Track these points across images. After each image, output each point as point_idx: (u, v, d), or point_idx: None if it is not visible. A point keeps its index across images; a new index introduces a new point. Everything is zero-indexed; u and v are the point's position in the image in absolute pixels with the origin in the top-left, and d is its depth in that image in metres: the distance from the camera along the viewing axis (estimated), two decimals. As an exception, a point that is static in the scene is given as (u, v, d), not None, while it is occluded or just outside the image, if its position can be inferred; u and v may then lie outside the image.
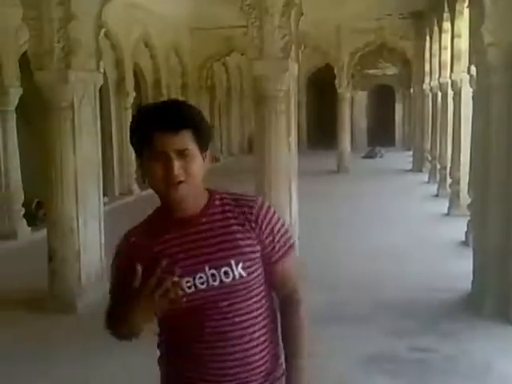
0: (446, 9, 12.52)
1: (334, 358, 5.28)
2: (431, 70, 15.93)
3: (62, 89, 6.68)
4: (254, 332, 1.99)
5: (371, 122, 31.46)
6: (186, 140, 1.86)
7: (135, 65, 15.86)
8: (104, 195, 7.82)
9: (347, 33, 19.07)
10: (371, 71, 28.81)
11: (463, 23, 10.81)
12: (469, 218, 8.71)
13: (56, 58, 6.66)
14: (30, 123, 11.17)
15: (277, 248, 2.00)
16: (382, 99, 31.01)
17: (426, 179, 16.56)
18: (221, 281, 1.92)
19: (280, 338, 2.10)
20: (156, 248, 1.94)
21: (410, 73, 21.67)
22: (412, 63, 19.83)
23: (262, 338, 2.01)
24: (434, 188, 14.50)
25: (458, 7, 11.24)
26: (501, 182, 6.28)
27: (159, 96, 17.12)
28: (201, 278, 1.92)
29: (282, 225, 2.04)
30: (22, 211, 10.48)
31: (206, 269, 1.92)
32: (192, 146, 1.87)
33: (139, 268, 1.82)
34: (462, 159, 11.04)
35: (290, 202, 6.52)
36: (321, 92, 29.76)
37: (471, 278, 6.66)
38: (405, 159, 22.21)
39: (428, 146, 17.39)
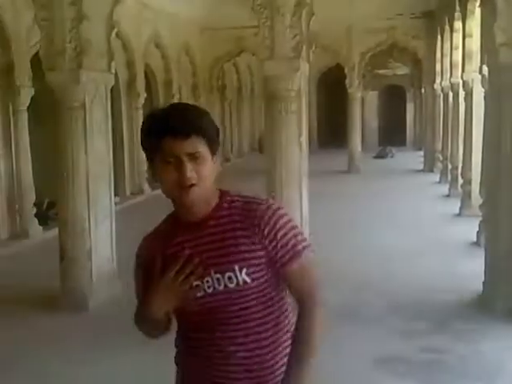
0: (458, 8, 12.48)
1: (346, 358, 5.28)
2: (442, 69, 15.88)
3: (73, 89, 6.71)
4: (267, 338, 2.00)
5: (382, 121, 31.41)
6: (197, 143, 1.86)
7: (146, 65, 15.89)
8: (115, 195, 7.84)
9: (358, 33, 19.05)
10: (382, 71, 28.75)
11: (475, 23, 10.76)
12: (480, 219, 8.68)
13: (68, 59, 6.68)
14: (41, 123, 11.21)
15: (280, 253, 1.93)
16: (393, 99, 30.96)
17: (438, 179, 16.50)
18: (225, 285, 1.93)
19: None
20: (169, 251, 1.97)
21: (420, 73, 21.63)
22: (423, 63, 19.77)
23: (275, 343, 2.01)
24: (445, 188, 14.45)
25: (469, 6, 11.20)
26: (513, 183, 6.25)
27: (170, 96, 17.17)
28: (208, 281, 1.94)
29: (290, 228, 1.97)
30: (34, 211, 10.53)
31: (212, 273, 1.94)
32: (203, 149, 1.87)
33: (159, 259, 1.92)
34: (473, 159, 10.99)
35: (300, 201, 6.52)
36: (331, 92, 29.71)
37: (483, 278, 6.63)
38: (416, 159, 22.15)
39: (439, 146, 17.32)
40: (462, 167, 11.83)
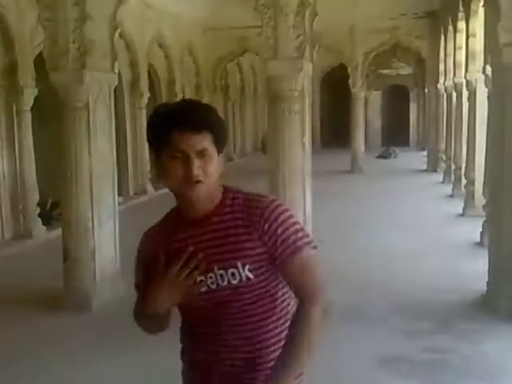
0: (461, 8, 12.47)
1: (349, 358, 5.29)
2: (446, 69, 15.86)
3: (77, 89, 6.72)
4: (271, 330, 2.01)
5: (385, 121, 31.39)
6: (206, 141, 1.87)
7: (149, 65, 15.91)
8: (119, 195, 7.86)
9: (361, 33, 19.05)
10: (385, 71, 28.73)
11: (478, 22, 10.76)
12: (484, 219, 8.67)
13: (71, 59, 6.69)
14: (45, 123, 11.24)
15: (280, 249, 1.92)
16: (396, 99, 30.93)
17: (441, 179, 16.48)
18: (229, 281, 1.94)
19: None
20: (172, 246, 1.99)
21: (424, 73, 21.60)
22: (426, 63, 19.75)
23: (278, 336, 2.02)
24: (448, 188, 14.44)
25: (473, 6, 11.20)
26: (516, 183, 6.24)
27: (173, 96, 17.18)
28: (211, 277, 1.96)
29: (291, 224, 1.96)
30: (37, 211, 10.54)
31: (215, 269, 1.95)
32: (210, 147, 1.88)
33: (162, 254, 1.94)
34: (476, 159, 10.98)
35: (304, 201, 6.52)
36: (335, 92, 29.69)
37: (486, 278, 6.62)
38: (419, 159, 22.14)
39: (443, 146, 17.31)
40: (466, 167, 11.82)
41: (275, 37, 6.38)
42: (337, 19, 16.53)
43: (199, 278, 1.95)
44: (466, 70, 11.53)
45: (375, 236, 10.09)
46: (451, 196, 13.79)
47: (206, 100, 19.28)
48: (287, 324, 2.02)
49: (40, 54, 8.07)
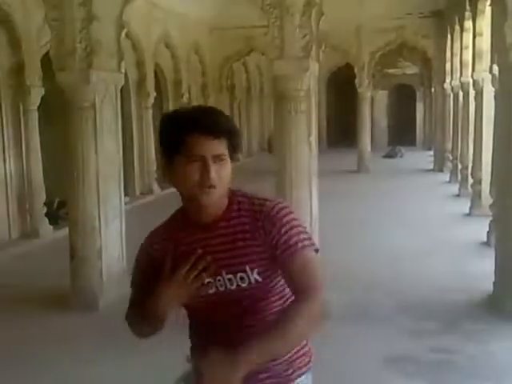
0: (468, 7, 12.43)
1: (355, 357, 5.28)
2: (452, 69, 15.82)
3: (83, 89, 6.73)
4: None
5: (392, 121, 31.36)
6: (223, 146, 1.89)
7: (156, 65, 15.92)
8: (125, 194, 7.87)
9: (367, 32, 19.02)
10: (391, 70, 28.68)
11: (485, 22, 10.72)
12: (491, 219, 8.65)
13: (78, 59, 6.70)
14: (51, 123, 11.27)
15: (282, 249, 1.93)
16: (403, 99, 30.89)
17: (447, 179, 16.44)
18: (237, 285, 1.97)
19: None
20: (179, 249, 2.01)
21: (430, 72, 21.56)
22: (433, 62, 19.70)
23: None
24: (455, 188, 14.41)
25: (479, 5, 11.16)
26: (523, 182, 6.23)
27: (179, 96, 17.21)
28: (219, 280, 1.98)
29: (294, 226, 1.97)
30: (44, 210, 10.57)
31: (224, 273, 1.97)
32: (226, 153, 1.91)
33: (169, 257, 1.96)
34: (483, 159, 10.95)
35: (310, 201, 6.51)
36: (341, 91, 29.65)
37: (493, 278, 6.60)
38: (426, 159, 22.11)
39: (449, 145, 17.27)
40: (472, 167, 11.79)
41: (281, 36, 6.37)
42: (343, 19, 16.51)
43: (207, 280, 1.96)
44: (473, 70, 11.49)
45: (381, 236, 10.07)
46: (458, 195, 13.76)
47: (212, 100, 19.34)
48: None
49: (47, 54, 8.10)
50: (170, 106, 17.36)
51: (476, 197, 11.38)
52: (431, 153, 21.59)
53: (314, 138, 6.63)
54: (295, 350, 2.07)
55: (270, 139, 24.73)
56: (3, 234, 10.05)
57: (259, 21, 7.48)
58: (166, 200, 13.76)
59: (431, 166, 19.82)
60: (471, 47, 11.98)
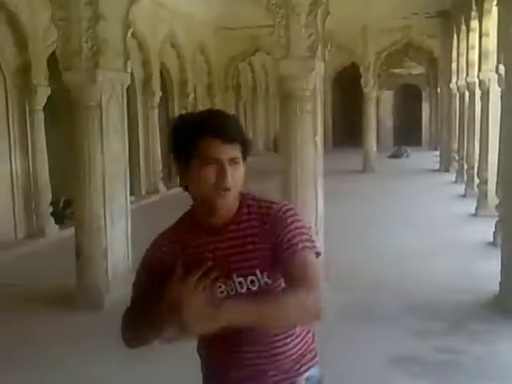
0: (474, 7, 12.40)
1: (361, 357, 5.27)
2: (458, 69, 15.78)
3: (89, 88, 6.74)
4: (285, 332, 2.05)
5: (397, 121, 31.31)
6: (237, 150, 1.94)
7: (161, 64, 15.94)
8: (131, 194, 7.88)
9: (373, 32, 19.00)
10: (397, 70, 28.64)
11: (491, 22, 10.69)
12: (497, 219, 8.63)
13: (84, 58, 6.71)
14: (58, 123, 11.29)
15: (285, 247, 1.95)
16: (409, 99, 30.84)
17: (453, 179, 16.41)
18: (248, 288, 1.98)
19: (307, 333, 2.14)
20: (188, 252, 2.02)
21: (436, 72, 21.52)
22: (439, 62, 19.66)
23: (296, 332, 2.07)
24: (461, 188, 14.37)
25: (486, 5, 11.14)
26: (530, 182, 6.21)
27: (185, 95, 17.23)
28: (230, 285, 1.99)
29: (298, 227, 1.99)
30: (50, 210, 10.60)
31: (234, 277, 1.98)
32: (240, 156, 1.95)
33: (180, 262, 1.92)
34: (489, 159, 10.93)
35: (316, 201, 6.51)
36: (346, 91, 29.63)
37: (499, 279, 6.58)
38: (431, 159, 22.07)
39: (455, 145, 17.24)
40: (478, 167, 11.75)
41: (287, 36, 6.36)
42: (349, 18, 16.51)
43: (218, 285, 1.97)
44: (479, 70, 11.46)
45: (387, 236, 10.06)
46: (464, 196, 13.72)
47: (217, 99, 19.37)
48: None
49: (53, 54, 8.11)
50: (176, 106, 17.40)
51: (482, 197, 11.36)
52: (437, 153, 21.55)
53: (319, 138, 6.63)
54: (303, 348, 2.10)
55: (276, 139, 24.74)
56: (9, 234, 10.08)
57: (265, 20, 7.49)
58: (171, 199, 13.79)
59: (437, 166, 19.78)
60: (477, 47, 11.95)
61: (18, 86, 10.23)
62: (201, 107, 18.48)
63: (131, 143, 10.96)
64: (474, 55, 12.79)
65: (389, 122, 31.17)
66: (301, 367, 2.09)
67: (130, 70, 7.41)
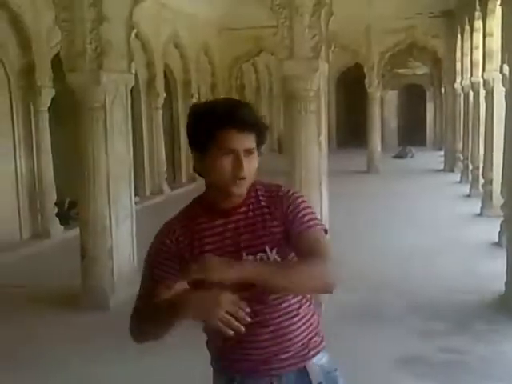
0: (478, 7, 12.38)
1: (366, 358, 5.26)
2: (463, 69, 15.76)
3: (94, 90, 6.75)
4: (296, 309, 2.11)
5: (402, 121, 31.29)
6: (253, 141, 2.02)
7: (165, 65, 15.95)
8: (135, 195, 7.89)
9: (377, 32, 18.99)
10: (401, 70, 28.61)
11: (495, 22, 10.68)
12: (502, 219, 8.61)
13: (88, 59, 6.73)
14: (62, 124, 11.31)
15: (297, 224, 2.05)
16: (413, 99, 30.83)
17: (458, 179, 16.39)
18: None
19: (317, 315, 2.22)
20: (197, 235, 2.09)
21: (440, 72, 21.48)
22: (443, 62, 19.63)
23: (302, 315, 2.13)
24: (466, 188, 14.35)
25: (489, 5, 11.11)
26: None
27: (189, 96, 17.24)
28: None
29: (307, 208, 2.11)
30: (55, 210, 10.62)
31: (244, 255, 2.04)
32: (254, 147, 2.04)
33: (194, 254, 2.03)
34: (494, 159, 10.90)
35: (320, 201, 6.50)
36: (350, 91, 29.63)
37: (504, 279, 6.57)
38: (436, 159, 22.04)
39: (460, 145, 17.22)
40: (483, 167, 11.74)
41: (291, 37, 6.36)
42: (352, 19, 16.51)
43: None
44: (483, 70, 11.45)
45: (392, 236, 10.05)
46: (468, 196, 13.70)
47: (221, 100, 19.32)
48: (310, 306, 2.18)
49: (57, 55, 8.13)
50: (180, 107, 17.42)
51: (487, 197, 11.34)
52: (442, 153, 21.52)
53: (323, 138, 6.62)
54: (309, 331, 2.15)
55: (280, 139, 24.74)
56: (15, 234, 10.11)
57: (268, 21, 7.48)
58: (176, 200, 13.77)
59: (442, 167, 19.75)
60: (481, 47, 11.93)
61: (22, 87, 10.25)
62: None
63: (135, 144, 10.97)
64: (478, 55, 12.77)
65: (393, 122, 31.15)
66: (309, 352, 2.14)
67: (133, 71, 7.42)
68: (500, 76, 8.46)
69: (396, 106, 31.58)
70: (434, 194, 14.67)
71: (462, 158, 16.60)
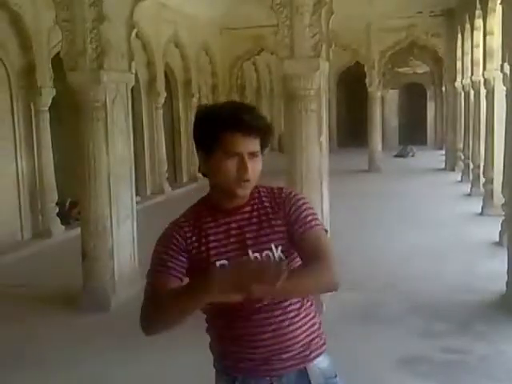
0: (478, 6, 12.36)
1: (367, 358, 5.26)
2: (463, 67, 15.75)
3: (94, 89, 6.75)
4: (298, 309, 2.14)
5: (402, 120, 31.29)
6: (257, 144, 2.09)
7: (166, 65, 15.95)
8: (136, 194, 7.89)
9: (377, 31, 19.00)
10: (402, 69, 28.61)
11: (495, 20, 10.67)
12: (503, 218, 8.60)
13: (88, 59, 6.72)
14: (63, 123, 11.32)
15: (300, 224, 2.12)
16: (414, 97, 30.81)
17: (459, 178, 16.37)
18: None
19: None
20: (204, 233, 2.13)
21: (441, 71, 21.49)
22: (443, 61, 19.63)
23: (303, 314, 2.16)
24: (466, 187, 14.33)
25: (490, 4, 11.11)
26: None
27: (190, 96, 17.25)
28: None
29: (309, 208, 2.18)
30: (56, 210, 10.62)
31: (250, 252, 2.10)
32: (259, 149, 2.10)
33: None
34: (495, 158, 10.89)
35: (321, 201, 6.49)
36: (351, 90, 29.61)
37: (505, 278, 6.56)
38: (437, 158, 22.03)
39: (461, 144, 17.20)
40: (484, 166, 11.73)
41: (291, 36, 6.34)
42: (353, 18, 16.49)
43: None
44: (484, 68, 11.44)
45: (392, 235, 10.05)
46: (469, 195, 13.68)
47: (222, 99, 19.30)
48: (311, 306, 2.22)
49: (57, 55, 8.12)
50: (180, 106, 17.41)
51: (488, 196, 11.33)
52: (442, 152, 21.52)
53: (324, 138, 6.61)
54: (310, 332, 2.18)
55: (281, 139, 24.72)
56: (16, 234, 10.11)
57: (269, 20, 7.48)
58: (177, 200, 13.80)
59: (443, 166, 19.75)
60: (482, 46, 11.92)
61: (22, 87, 10.26)
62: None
63: (136, 144, 10.97)
64: (479, 54, 12.77)
65: (394, 121, 31.14)
66: (310, 353, 2.17)
67: (134, 71, 7.42)
68: (501, 75, 8.45)
69: (397, 104, 31.57)
70: (434, 193, 14.66)
71: (462, 157, 16.59)
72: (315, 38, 6.30)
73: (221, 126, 2.02)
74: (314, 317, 2.22)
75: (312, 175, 6.46)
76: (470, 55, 14.37)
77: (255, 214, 2.15)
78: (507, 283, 6.55)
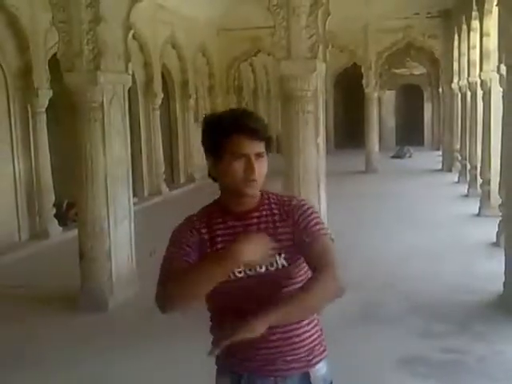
0: (475, 7, 12.38)
1: (366, 359, 5.26)
2: (460, 69, 15.78)
3: (91, 90, 6.75)
4: None
5: (399, 121, 31.31)
6: (262, 146, 2.18)
7: (163, 66, 15.94)
8: (133, 195, 7.88)
9: (374, 32, 19.01)
10: (399, 70, 28.63)
11: (492, 22, 10.68)
12: (500, 219, 8.61)
13: (85, 60, 6.72)
14: (60, 124, 11.31)
15: (307, 232, 2.18)
16: (410, 99, 30.84)
17: (456, 179, 16.39)
18: (266, 268, 2.17)
19: None
20: (213, 233, 2.22)
21: (438, 72, 21.50)
22: (440, 62, 19.65)
23: (305, 322, 2.22)
24: (464, 188, 14.34)
25: (486, 5, 11.12)
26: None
27: (187, 97, 17.25)
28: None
29: (317, 218, 2.25)
30: (53, 211, 10.61)
31: None
32: (264, 151, 2.20)
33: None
34: (492, 159, 10.90)
35: (318, 202, 6.49)
36: (348, 91, 29.63)
37: (503, 279, 6.57)
38: (434, 159, 22.05)
39: (458, 145, 17.21)
40: (481, 167, 11.73)
41: (288, 37, 6.34)
42: (350, 19, 16.51)
43: (238, 269, 2.15)
44: (481, 70, 11.45)
45: (390, 236, 10.05)
46: (466, 196, 13.69)
47: (219, 101, 19.37)
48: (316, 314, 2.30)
49: (54, 56, 8.12)
50: (178, 107, 17.42)
51: (485, 197, 11.34)
52: (439, 153, 21.54)
53: (321, 139, 6.62)
54: (314, 337, 2.25)
55: (278, 140, 24.71)
56: (13, 235, 10.10)
57: (266, 21, 7.48)
58: (174, 201, 13.81)
59: (440, 166, 19.78)
60: (478, 47, 11.93)
61: (19, 89, 10.25)
62: (203, 109, 18.55)
63: (133, 145, 10.97)
64: (476, 55, 12.76)
65: (391, 122, 31.17)
66: (313, 358, 2.24)
67: (131, 72, 7.42)
68: (497, 76, 8.47)
69: (394, 105, 31.60)
70: (432, 194, 14.67)
71: (459, 157, 16.60)
72: (312, 39, 6.30)
73: (227, 130, 2.13)
74: (317, 323, 2.31)
75: (309, 176, 6.46)
76: (466, 56, 14.39)
77: (263, 219, 2.23)
78: (505, 284, 6.55)
